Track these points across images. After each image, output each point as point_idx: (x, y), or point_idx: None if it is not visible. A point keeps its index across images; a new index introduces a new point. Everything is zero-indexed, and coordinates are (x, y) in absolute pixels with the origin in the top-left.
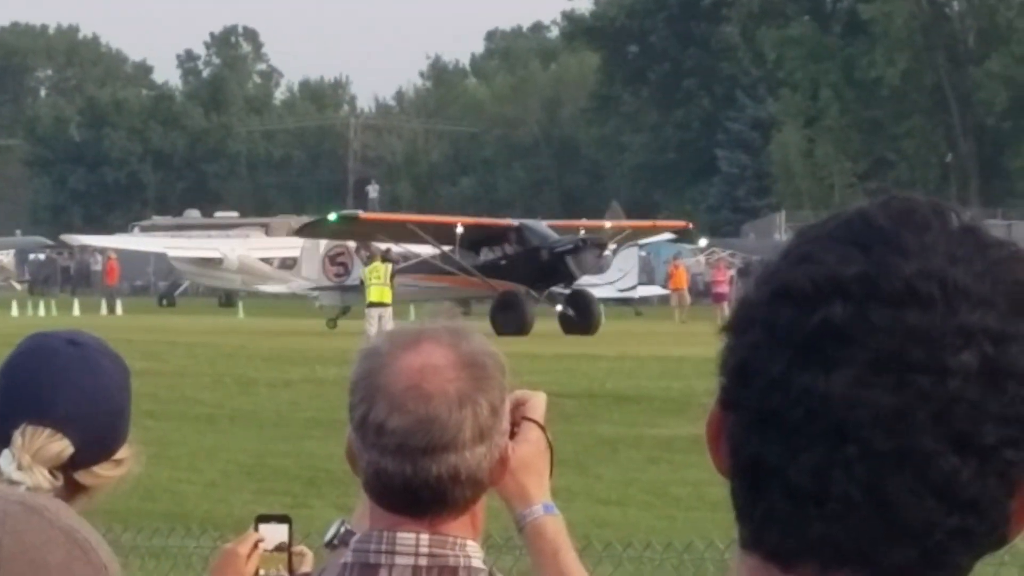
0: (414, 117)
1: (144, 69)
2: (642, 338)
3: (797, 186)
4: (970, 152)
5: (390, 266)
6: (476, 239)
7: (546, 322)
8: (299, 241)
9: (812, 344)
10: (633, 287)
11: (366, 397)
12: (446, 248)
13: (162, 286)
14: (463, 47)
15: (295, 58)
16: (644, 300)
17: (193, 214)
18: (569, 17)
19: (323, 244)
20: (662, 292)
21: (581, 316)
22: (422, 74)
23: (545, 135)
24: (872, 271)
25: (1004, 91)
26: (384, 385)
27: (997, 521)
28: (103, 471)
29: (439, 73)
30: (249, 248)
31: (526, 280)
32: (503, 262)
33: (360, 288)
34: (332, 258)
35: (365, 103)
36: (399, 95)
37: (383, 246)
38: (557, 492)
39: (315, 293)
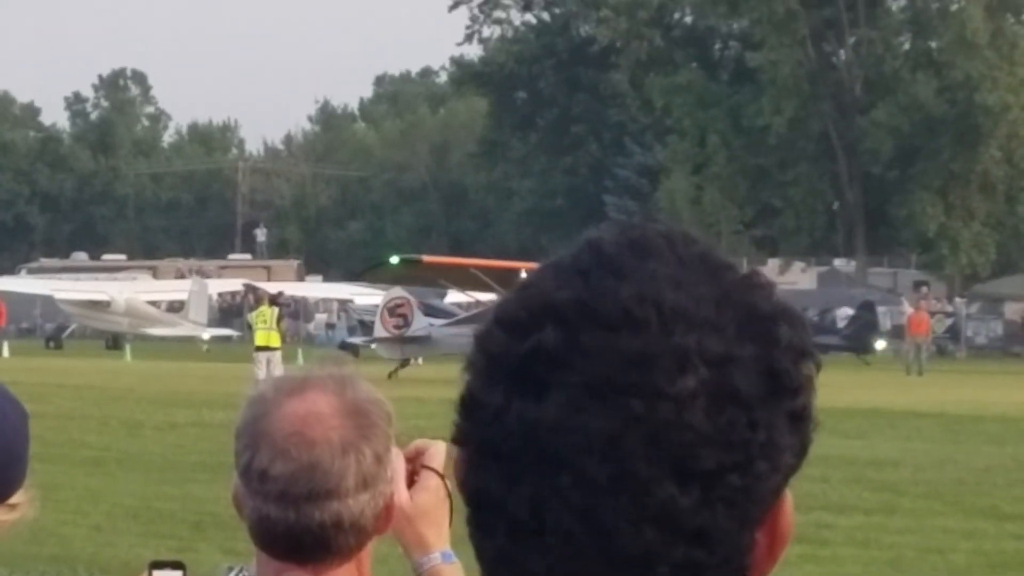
0: (302, 161)
1: (32, 111)
2: None
3: None
4: (856, 200)
5: (276, 310)
6: None
7: None
8: (187, 284)
9: (525, 371)
10: None
11: (250, 444)
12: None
13: (49, 328)
14: (352, 91)
15: (184, 101)
16: None
17: (80, 256)
18: (458, 62)
19: (211, 286)
20: None
21: None
22: (311, 118)
23: (433, 180)
24: (586, 295)
25: (890, 140)
26: (268, 432)
27: (730, 554)
28: None
29: (328, 117)
30: (136, 291)
31: None
32: None
33: (421, 340)
34: (391, 309)
35: (254, 146)
36: (288, 139)
37: (274, 289)
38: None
39: (205, 336)
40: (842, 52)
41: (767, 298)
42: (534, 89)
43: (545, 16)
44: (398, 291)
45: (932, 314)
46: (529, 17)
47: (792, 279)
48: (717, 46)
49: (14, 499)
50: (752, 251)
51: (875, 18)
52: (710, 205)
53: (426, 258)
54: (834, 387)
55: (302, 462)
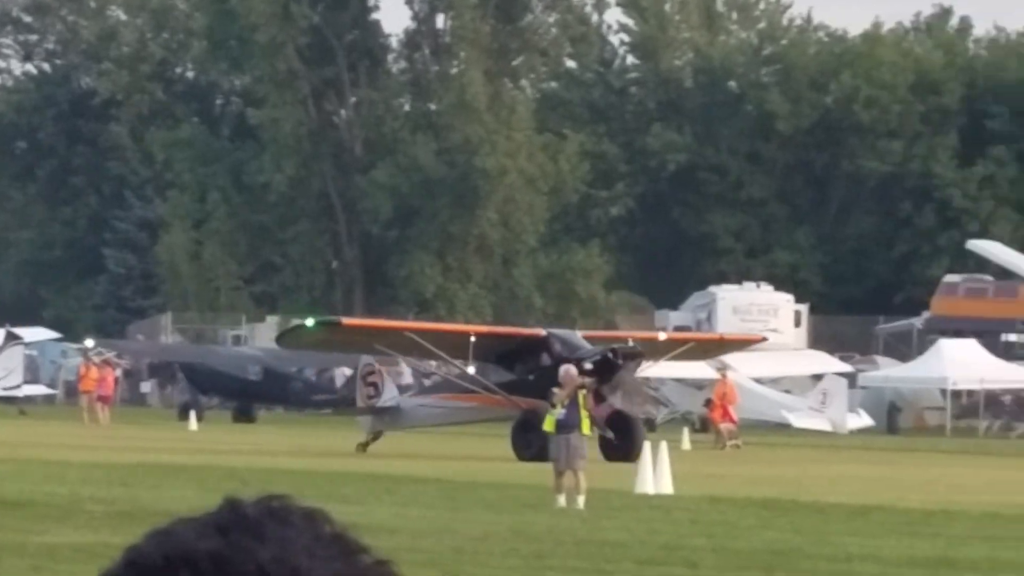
0: None
1: None
2: (28, 442)
3: (184, 287)
4: (355, 259)
5: None
6: (501, 351)
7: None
8: None
9: None
10: (18, 386)
11: None
12: (460, 362)
13: None
14: None
15: None
16: (29, 399)
17: None
18: None
19: None
20: (48, 391)
21: (622, 439)
22: None
23: None
24: (227, 551)
25: (389, 201)
26: None
27: None
28: None
29: None
30: None
31: None
32: (531, 376)
33: (391, 411)
34: (363, 377)
35: None
36: None
37: None
38: None
39: None
40: (343, 112)
41: None
42: (33, 139)
43: (46, 67)
44: (369, 358)
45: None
46: (30, 67)
47: None
48: (219, 102)
49: None
50: (252, 308)
51: (376, 79)
52: (210, 260)
53: (346, 320)
54: (331, 452)
55: None
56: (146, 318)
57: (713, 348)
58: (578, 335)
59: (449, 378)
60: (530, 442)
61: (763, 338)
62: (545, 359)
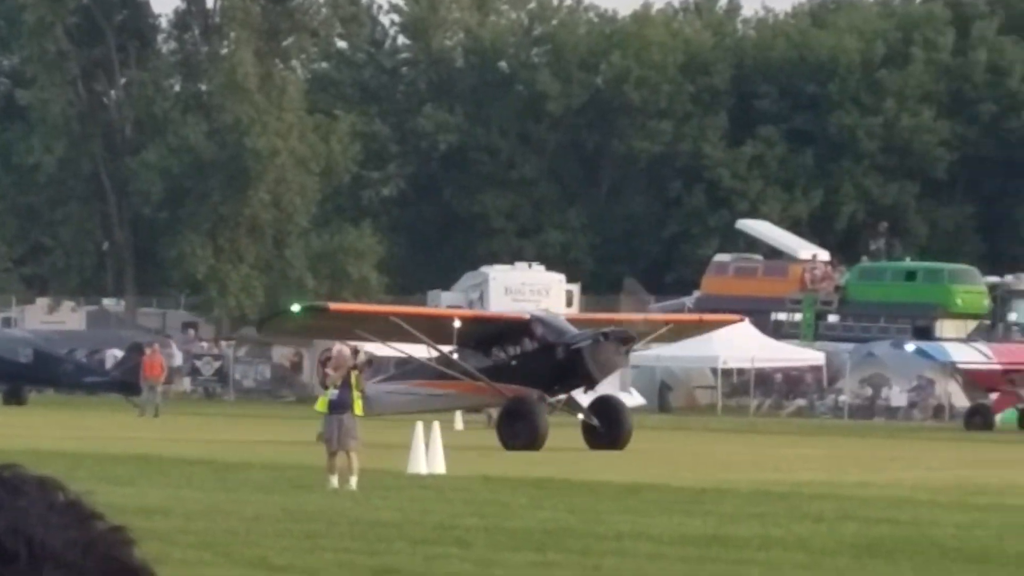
0: None
1: None
2: None
3: None
4: (126, 241)
5: None
6: (481, 336)
7: (568, 432)
8: None
9: None
10: None
11: None
12: (444, 347)
13: None
14: None
15: None
16: None
17: None
18: None
19: None
20: None
21: (609, 427)
22: None
23: None
24: None
25: (160, 181)
26: None
27: None
28: None
29: None
30: None
31: (539, 383)
32: (514, 362)
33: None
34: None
35: None
36: None
37: None
38: None
39: None
40: (113, 93)
41: (132, 553)
42: None
43: None
44: (328, 342)
45: (200, 356)
46: None
47: (61, 318)
48: None
49: None
50: (22, 289)
51: (146, 60)
52: None
53: (333, 306)
54: (102, 434)
55: None
56: None
57: (691, 330)
58: (562, 318)
59: (425, 363)
60: (517, 432)
61: (740, 319)
62: (528, 344)
